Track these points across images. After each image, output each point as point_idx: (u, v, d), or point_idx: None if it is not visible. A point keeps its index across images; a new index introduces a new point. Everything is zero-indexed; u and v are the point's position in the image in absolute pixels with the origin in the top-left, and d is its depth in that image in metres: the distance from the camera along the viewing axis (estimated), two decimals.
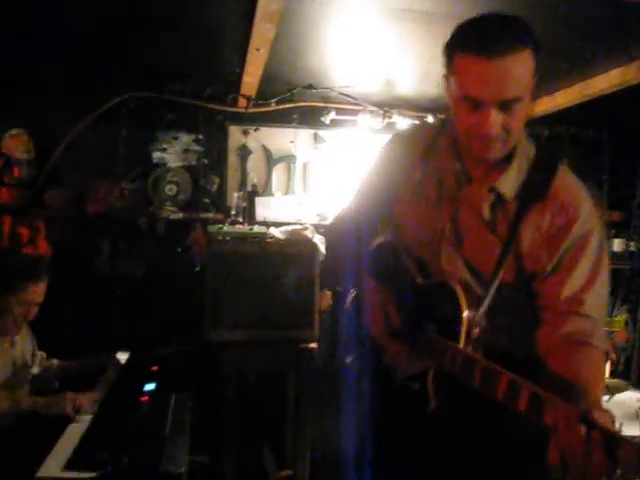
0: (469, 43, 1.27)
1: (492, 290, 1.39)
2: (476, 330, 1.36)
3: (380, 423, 1.68)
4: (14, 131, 3.50)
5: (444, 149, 1.51)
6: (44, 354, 2.84)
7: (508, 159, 1.40)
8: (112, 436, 2.03)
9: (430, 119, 3.79)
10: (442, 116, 3.78)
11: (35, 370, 2.74)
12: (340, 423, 3.57)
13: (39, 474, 1.76)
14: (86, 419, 2.21)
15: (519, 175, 1.41)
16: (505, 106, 1.27)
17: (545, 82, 2.80)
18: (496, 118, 1.27)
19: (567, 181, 1.42)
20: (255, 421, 3.28)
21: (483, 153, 1.37)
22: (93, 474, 1.76)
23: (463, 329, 1.35)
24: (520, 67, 1.25)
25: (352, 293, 1.79)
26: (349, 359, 1.83)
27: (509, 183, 1.41)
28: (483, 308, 1.38)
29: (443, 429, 1.46)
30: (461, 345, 1.34)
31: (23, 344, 2.68)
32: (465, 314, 1.36)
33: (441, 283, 1.44)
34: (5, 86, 3.35)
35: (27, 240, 3.50)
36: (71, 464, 1.82)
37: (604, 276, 1.39)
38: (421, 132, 1.62)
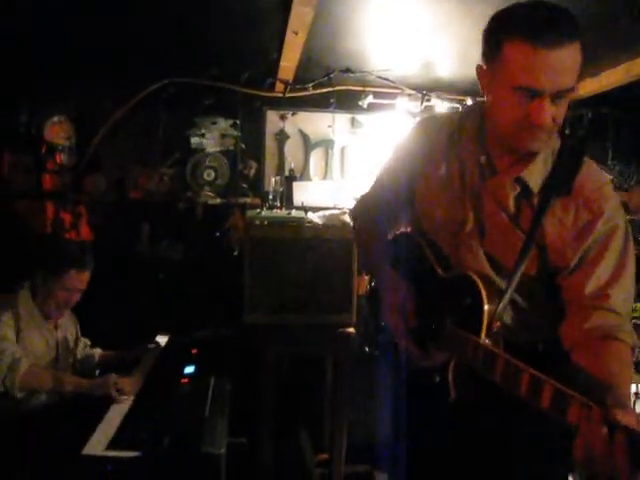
0: (526, 31, 1.23)
1: (514, 283, 1.37)
2: (497, 324, 1.34)
3: (405, 411, 1.68)
4: (56, 118, 3.56)
5: (468, 139, 1.49)
6: (88, 341, 2.91)
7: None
8: (153, 417, 2.08)
9: (470, 102, 3.73)
10: (482, 99, 3.73)
11: (78, 355, 2.81)
12: (376, 408, 3.60)
13: (84, 452, 1.81)
14: (129, 399, 2.26)
15: (545, 167, 1.40)
16: (558, 97, 1.26)
17: (589, 63, 2.74)
18: (550, 109, 1.26)
19: (592, 176, 1.41)
20: (292, 404, 3.31)
21: (530, 144, 1.34)
22: (135, 453, 1.81)
23: (484, 323, 1.33)
24: (574, 58, 1.25)
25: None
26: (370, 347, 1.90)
27: (535, 174, 1.40)
28: (504, 302, 1.37)
29: (464, 420, 1.45)
30: (482, 339, 1.32)
31: (67, 328, 2.75)
32: (486, 307, 1.34)
33: (462, 275, 1.43)
34: (46, 74, 3.42)
35: (69, 225, 3.58)
36: (114, 443, 1.87)
37: (630, 271, 1.37)
38: (445, 120, 1.59)
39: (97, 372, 2.86)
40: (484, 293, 1.35)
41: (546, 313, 1.43)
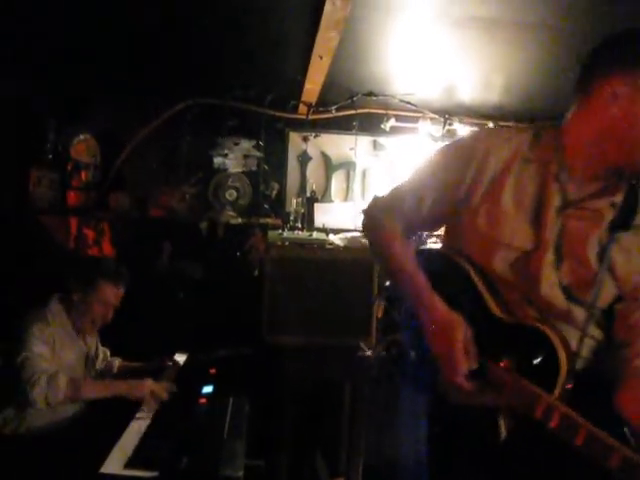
0: None
1: (589, 325, 1.33)
2: (569, 385, 1.26)
3: (438, 443, 1.63)
4: (82, 136, 3.61)
5: (545, 162, 1.40)
6: (107, 351, 2.93)
7: (620, 177, 1.36)
8: (171, 437, 2.06)
9: (491, 126, 3.73)
10: (504, 123, 3.73)
11: (98, 366, 2.83)
12: (394, 433, 3.55)
13: (102, 470, 1.80)
14: (147, 417, 2.26)
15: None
16: None
17: None
18: None
19: None
20: (309, 427, 3.29)
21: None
22: (153, 473, 1.80)
23: (559, 384, 1.25)
24: None
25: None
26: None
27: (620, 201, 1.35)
28: (581, 362, 1.32)
29: (512, 463, 1.39)
30: (553, 399, 1.24)
31: (91, 341, 2.78)
32: (564, 371, 1.26)
33: (532, 327, 1.33)
34: (74, 94, 3.48)
35: (92, 241, 3.62)
36: (132, 462, 1.86)
37: None
38: (512, 136, 1.46)
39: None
40: (563, 357, 1.26)
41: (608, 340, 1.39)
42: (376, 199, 1.68)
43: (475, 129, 3.73)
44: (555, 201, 1.38)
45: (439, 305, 1.43)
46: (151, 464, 1.83)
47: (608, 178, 1.36)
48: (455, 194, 1.47)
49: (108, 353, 2.95)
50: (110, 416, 2.31)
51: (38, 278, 3.23)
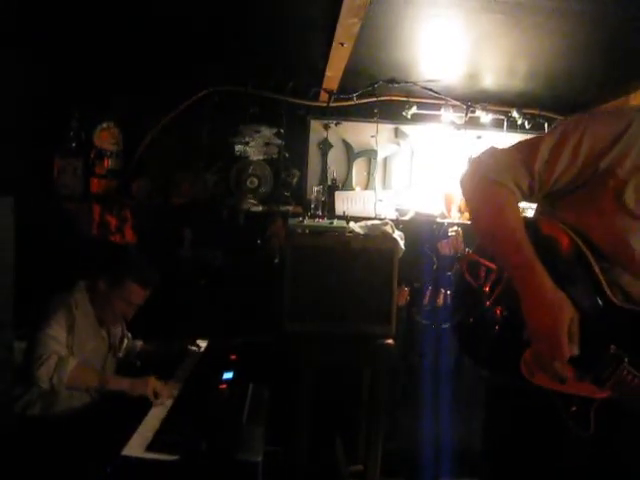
0: None
1: None
2: None
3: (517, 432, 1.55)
4: (105, 124, 3.64)
5: None
6: (129, 335, 2.97)
7: None
8: (192, 421, 2.09)
9: (515, 114, 3.68)
10: (528, 111, 3.68)
11: (121, 353, 2.86)
12: (413, 420, 3.56)
13: (124, 453, 1.83)
14: (164, 403, 2.29)
15: None
16: None
17: None
18: None
19: None
20: (329, 414, 3.30)
21: None
22: (174, 457, 1.82)
23: None
24: None
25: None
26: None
27: None
28: None
29: (596, 457, 1.36)
30: None
31: (116, 330, 2.81)
32: None
33: None
34: (97, 82, 3.50)
35: (115, 228, 3.65)
36: (153, 446, 1.89)
37: None
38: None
39: (138, 363, 2.92)
40: None
41: None
42: (493, 154, 1.52)
43: (495, 117, 3.70)
44: None
45: (547, 282, 1.35)
46: (172, 448, 1.86)
47: None
48: (595, 163, 1.38)
49: (130, 337, 2.99)
50: (132, 400, 2.34)
51: (63, 265, 3.28)
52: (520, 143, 1.51)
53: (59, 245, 3.46)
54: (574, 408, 1.31)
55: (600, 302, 1.33)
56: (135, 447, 1.88)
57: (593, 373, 1.31)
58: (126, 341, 2.93)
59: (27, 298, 2.48)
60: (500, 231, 1.44)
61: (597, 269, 1.35)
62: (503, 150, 1.51)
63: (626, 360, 1.27)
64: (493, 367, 1.53)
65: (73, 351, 2.47)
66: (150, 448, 1.87)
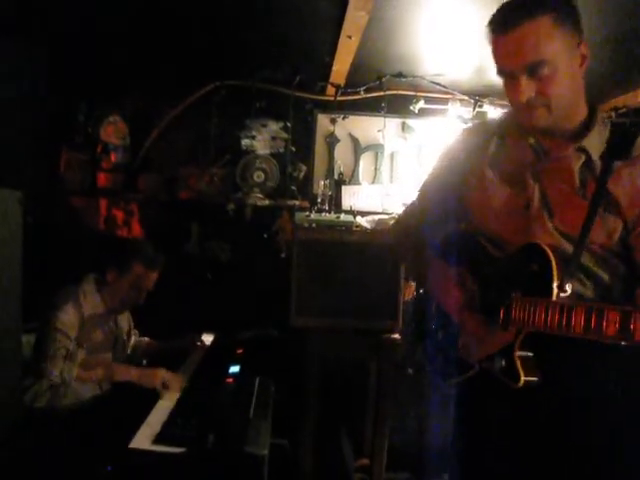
0: (492, 25, 1.41)
1: (582, 248, 1.38)
2: (567, 290, 1.33)
3: (463, 414, 1.68)
4: (111, 118, 3.65)
5: (515, 129, 1.54)
6: (137, 332, 2.98)
7: (587, 127, 1.45)
8: (199, 414, 2.09)
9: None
10: None
11: (129, 348, 2.88)
12: (420, 415, 3.56)
13: (131, 445, 1.84)
14: (173, 395, 2.30)
15: (600, 139, 1.44)
16: (533, 72, 1.35)
17: None
18: (527, 85, 1.37)
19: None
20: (335, 409, 3.31)
21: (527, 121, 1.44)
22: (181, 449, 1.83)
23: (554, 287, 1.33)
24: (539, 32, 1.33)
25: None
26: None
27: (594, 144, 1.44)
28: (573, 268, 1.37)
29: (533, 407, 1.45)
30: (554, 296, 1.33)
31: (123, 323, 2.82)
32: (555, 271, 1.34)
33: (525, 247, 1.43)
34: (104, 76, 3.51)
35: (122, 222, 3.67)
36: (160, 438, 1.89)
37: None
38: (487, 122, 1.72)
39: (144, 361, 2.93)
40: (552, 257, 1.34)
41: (620, 279, 1.44)
42: (398, 218, 1.95)
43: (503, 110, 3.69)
44: (531, 158, 1.51)
45: (440, 266, 1.63)
46: (179, 440, 1.87)
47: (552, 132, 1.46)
48: (459, 186, 1.64)
49: (137, 334, 3.00)
50: (139, 393, 2.35)
51: (71, 259, 3.30)
52: None
53: (66, 239, 3.48)
54: (503, 363, 1.43)
55: (489, 260, 1.55)
56: (142, 440, 1.89)
57: (497, 320, 1.44)
58: (133, 338, 2.95)
59: (35, 292, 2.51)
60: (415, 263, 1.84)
61: (484, 241, 1.58)
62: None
63: (512, 296, 1.41)
64: (450, 373, 1.66)
65: (82, 343, 2.49)
66: (157, 441, 1.88)
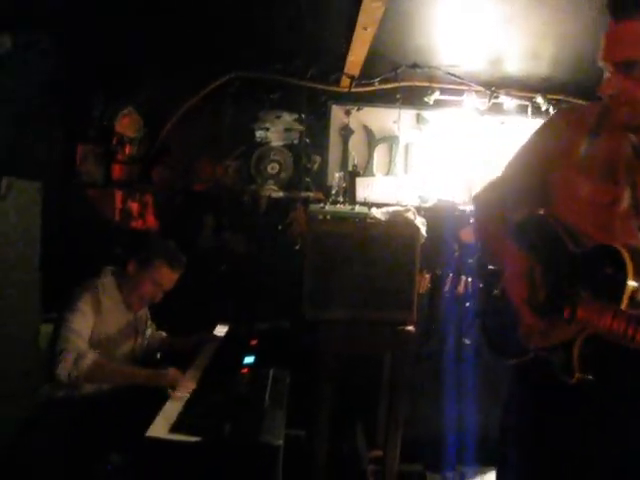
0: (610, 7, 1.34)
1: None
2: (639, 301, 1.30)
3: (515, 397, 1.69)
4: (126, 110, 3.65)
5: (615, 124, 1.48)
6: (154, 325, 3.01)
7: None
8: (214, 404, 2.12)
9: (539, 100, 3.64)
10: (553, 96, 3.64)
11: (146, 341, 2.91)
12: (434, 407, 3.57)
13: (148, 434, 1.87)
14: (191, 385, 2.32)
15: None
16: (627, 68, 1.31)
17: None
18: (616, 80, 1.34)
19: None
20: (349, 400, 3.32)
21: (616, 117, 1.41)
22: (197, 439, 1.86)
23: (625, 297, 1.29)
24: None
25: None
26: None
27: None
28: None
29: (586, 401, 1.45)
30: (623, 304, 1.29)
31: (141, 316, 2.85)
32: (629, 281, 1.29)
33: (603, 247, 1.39)
34: (118, 69, 3.52)
35: (137, 214, 3.69)
36: (177, 427, 1.92)
37: None
38: (586, 109, 1.61)
39: (158, 355, 2.96)
40: (628, 261, 1.30)
41: None
42: (480, 192, 1.88)
43: (520, 103, 3.67)
44: (628, 155, 1.45)
45: (514, 252, 1.61)
46: (195, 430, 1.89)
47: None
48: (544, 172, 1.61)
49: (155, 327, 3.03)
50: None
51: (88, 251, 3.33)
52: None
53: (83, 232, 3.51)
54: (560, 356, 1.43)
55: (563, 253, 1.50)
56: (159, 428, 1.91)
57: (561, 314, 1.43)
58: (150, 330, 2.97)
59: (54, 284, 2.54)
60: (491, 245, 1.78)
61: (562, 232, 1.54)
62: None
63: (581, 295, 1.39)
64: (508, 352, 1.67)
65: (100, 337, 2.51)
66: (174, 429, 1.90)
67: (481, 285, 1.87)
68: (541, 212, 1.63)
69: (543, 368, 1.49)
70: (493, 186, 1.82)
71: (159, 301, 2.76)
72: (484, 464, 3.37)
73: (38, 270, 2.40)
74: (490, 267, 1.82)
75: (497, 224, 1.72)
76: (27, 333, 2.39)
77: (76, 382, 2.34)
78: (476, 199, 1.90)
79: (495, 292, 1.72)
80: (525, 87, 3.64)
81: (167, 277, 2.67)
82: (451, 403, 3.56)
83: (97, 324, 2.52)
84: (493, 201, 1.77)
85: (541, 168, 1.62)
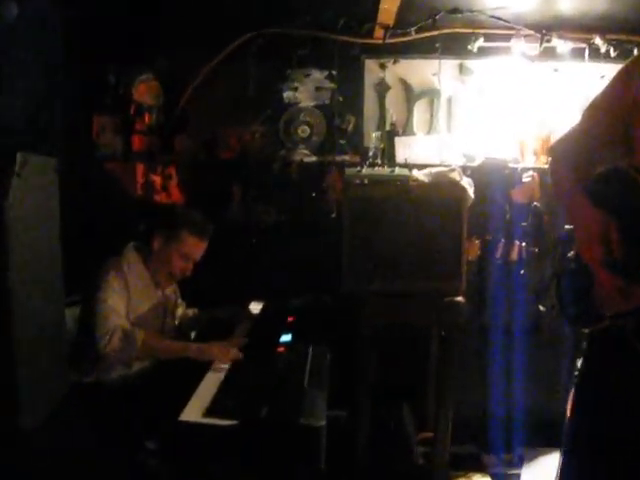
0: None
1: None
2: None
3: (590, 366, 1.70)
4: (144, 77, 3.66)
5: None
6: (184, 303, 3.06)
7: None
8: (250, 386, 2.15)
9: (598, 41, 3.53)
10: (613, 37, 3.53)
11: (177, 320, 2.96)
12: (486, 384, 3.57)
13: (182, 418, 1.91)
14: (225, 366, 2.36)
15: None
16: None
17: None
18: None
19: None
20: (394, 378, 3.34)
21: None
22: (232, 422, 1.89)
23: None
24: None
25: None
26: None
27: None
28: None
29: None
30: None
31: (170, 294, 2.90)
32: None
33: None
34: (134, 33, 3.53)
35: (160, 187, 3.72)
36: (211, 411, 1.95)
37: None
38: None
39: (192, 334, 3.02)
40: None
41: None
42: (555, 144, 1.87)
43: (575, 46, 3.57)
44: None
45: (589, 210, 1.61)
46: (230, 413, 1.92)
47: None
48: (625, 122, 1.60)
49: (185, 306, 3.08)
50: (186, 364, 2.43)
51: (110, 228, 3.39)
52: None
53: (104, 208, 3.56)
54: (635, 323, 1.45)
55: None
56: (192, 412, 1.95)
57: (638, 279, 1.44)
58: (180, 309, 3.02)
59: (76, 264, 2.59)
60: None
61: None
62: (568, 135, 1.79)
63: None
64: (583, 319, 1.68)
65: (130, 317, 2.57)
66: (208, 413, 1.94)
67: (557, 247, 1.90)
68: (622, 165, 1.61)
69: (619, 336, 1.50)
70: (570, 137, 1.79)
71: (188, 278, 2.80)
72: (543, 445, 3.36)
73: (60, 251, 2.44)
74: (566, 226, 1.82)
75: (572, 179, 1.71)
76: (53, 317, 2.45)
77: (128, 362, 2.42)
78: (552, 151, 1.88)
79: (570, 254, 1.72)
80: (581, 28, 3.52)
81: (195, 247, 2.72)
82: (504, 380, 3.55)
83: (127, 303, 2.57)
84: (570, 154, 1.75)
85: (623, 119, 1.60)
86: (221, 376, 2.27)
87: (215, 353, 2.46)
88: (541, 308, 3.48)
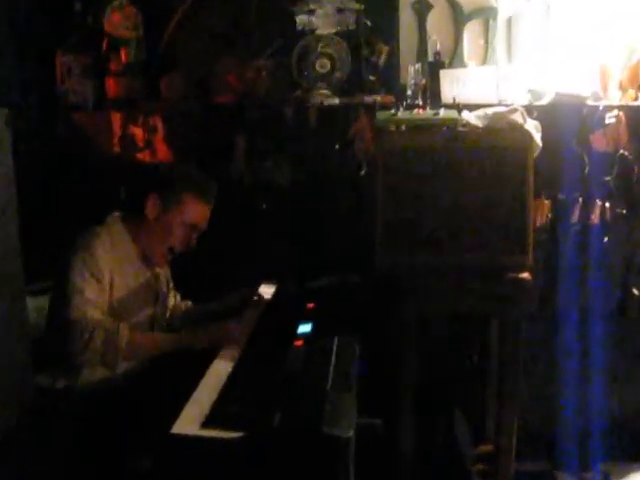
0: None
1: None
2: None
3: None
4: (117, 2, 3.66)
5: None
6: (178, 294, 3.08)
7: None
8: (260, 388, 2.16)
9: None
10: None
11: (168, 312, 2.99)
12: (559, 387, 3.57)
13: (174, 431, 1.93)
14: (228, 363, 2.38)
15: None
16: None
17: None
18: None
19: None
20: (443, 378, 3.35)
21: None
22: (237, 434, 1.90)
23: None
24: None
25: None
26: None
27: None
28: None
29: None
30: None
31: (162, 279, 2.92)
32: None
33: None
34: None
35: (142, 142, 3.74)
36: (211, 421, 1.96)
37: None
38: None
39: (183, 331, 3.04)
40: None
41: None
42: None
43: None
44: None
45: None
46: (235, 423, 1.92)
47: None
48: None
49: (179, 297, 3.10)
50: (181, 364, 2.45)
51: (83, 196, 3.42)
52: None
53: (73, 170, 3.59)
54: None
55: None
56: (188, 423, 1.96)
57: None
58: (172, 299, 3.05)
59: (39, 244, 2.62)
60: None
61: None
62: None
63: None
64: None
65: (114, 307, 2.60)
66: (207, 424, 1.94)
67: None
68: None
69: None
70: None
71: (180, 255, 2.83)
72: (632, 460, 3.38)
73: (17, 226, 2.46)
74: None
75: None
76: (13, 308, 2.48)
77: (113, 365, 2.47)
78: None
79: None
80: None
81: (201, 213, 2.74)
82: (580, 381, 3.55)
83: (104, 295, 2.59)
84: None
85: None
86: (224, 376, 2.28)
87: (215, 331, 2.51)
88: (635, 292, 3.47)
